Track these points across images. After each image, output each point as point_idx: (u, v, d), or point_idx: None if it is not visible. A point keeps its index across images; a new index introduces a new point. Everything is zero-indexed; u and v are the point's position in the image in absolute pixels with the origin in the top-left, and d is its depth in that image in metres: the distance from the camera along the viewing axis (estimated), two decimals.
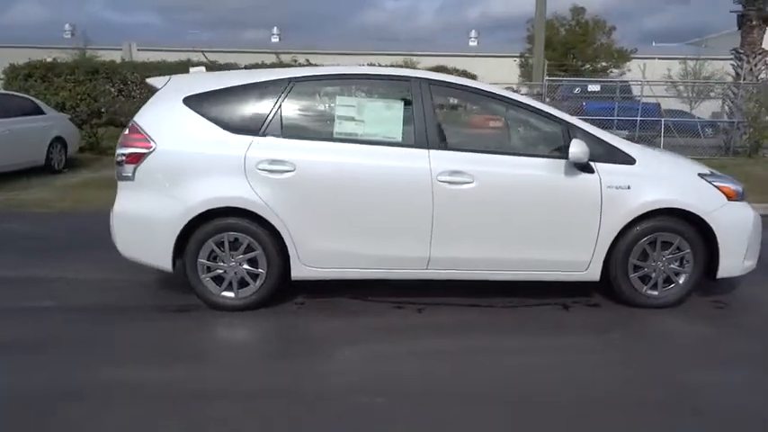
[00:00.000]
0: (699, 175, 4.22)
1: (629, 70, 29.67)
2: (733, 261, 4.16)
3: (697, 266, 4.16)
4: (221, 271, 4.06)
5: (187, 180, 3.96)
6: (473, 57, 40.12)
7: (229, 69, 12.02)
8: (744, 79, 13.55)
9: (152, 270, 4.31)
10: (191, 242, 4.00)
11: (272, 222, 3.96)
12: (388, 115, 4.10)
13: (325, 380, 3.22)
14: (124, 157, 4.00)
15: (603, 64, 30.36)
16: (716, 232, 4.07)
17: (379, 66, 11.67)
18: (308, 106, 4.22)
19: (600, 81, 19.78)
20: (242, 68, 12.84)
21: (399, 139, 4.05)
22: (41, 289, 4.60)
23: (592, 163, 4.00)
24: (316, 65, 12.97)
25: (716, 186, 4.16)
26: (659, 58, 33.32)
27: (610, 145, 4.10)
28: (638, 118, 14.15)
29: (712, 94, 25.27)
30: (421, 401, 2.99)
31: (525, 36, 31.68)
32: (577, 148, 3.88)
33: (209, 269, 4.06)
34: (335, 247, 4.04)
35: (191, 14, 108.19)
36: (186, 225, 3.95)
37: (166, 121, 4.06)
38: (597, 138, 4.08)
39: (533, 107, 4.21)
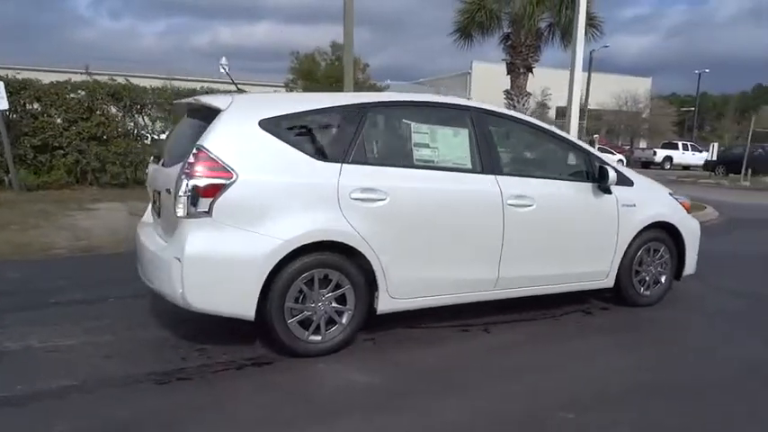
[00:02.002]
0: (669, 193, 5.22)
1: None
2: (692, 262, 5.23)
3: (672, 268, 5.13)
4: (309, 313, 3.65)
5: (275, 213, 3.49)
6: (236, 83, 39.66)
7: None
8: None
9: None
10: (276, 283, 3.52)
11: (366, 255, 3.72)
12: (456, 142, 4.20)
13: (498, 405, 3.20)
14: (197, 190, 3.35)
15: None
16: (684, 239, 5.10)
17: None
18: (384, 132, 4.09)
19: None
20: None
21: (469, 165, 4.17)
22: (39, 364, 3.53)
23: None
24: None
25: (680, 202, 5.19)
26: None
27: (617, 170, 4.82)
28: None
29: None
30: (598, 407, 3.21)
31: (289, 67, 32.65)
32: (612, 174, 4.51)
33: (292, 312, 3.62)
34: (422, 275, 3.97)
35: None
36: (276, 264, 3.48)
37: (244, 147, 3.51)
38: (609, 164, 4.77)
39: (565, 138, 4.74)
